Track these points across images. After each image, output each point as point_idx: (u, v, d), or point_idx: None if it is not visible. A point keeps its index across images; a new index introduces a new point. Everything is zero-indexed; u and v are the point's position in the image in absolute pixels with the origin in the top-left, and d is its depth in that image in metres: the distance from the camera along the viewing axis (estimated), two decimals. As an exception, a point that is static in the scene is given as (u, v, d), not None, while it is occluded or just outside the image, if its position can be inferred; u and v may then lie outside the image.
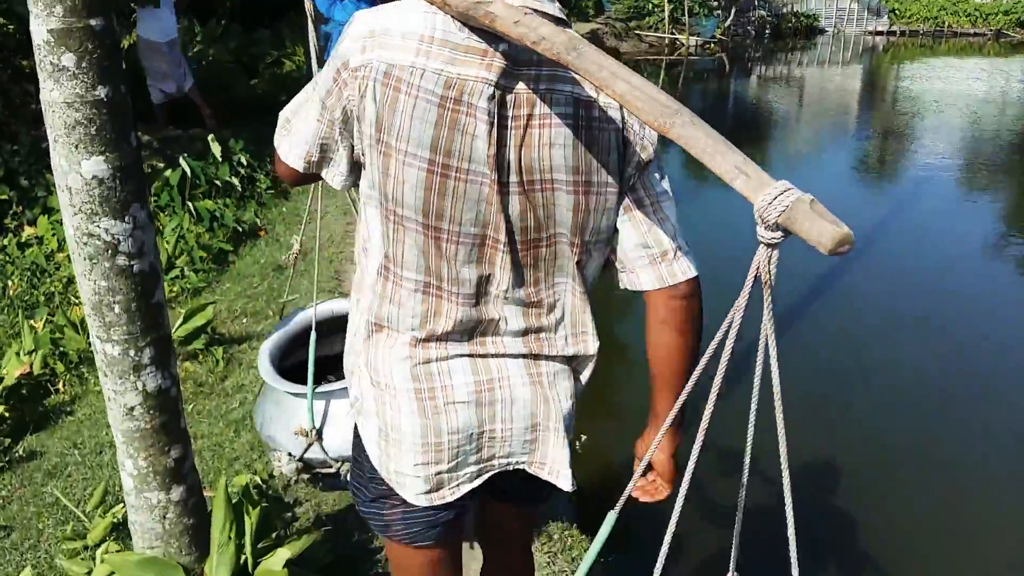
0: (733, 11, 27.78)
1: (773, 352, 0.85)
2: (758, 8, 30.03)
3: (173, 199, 5.62)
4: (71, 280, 5.03)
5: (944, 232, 7.27)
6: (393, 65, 1.15)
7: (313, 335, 2.16)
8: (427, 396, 1.33)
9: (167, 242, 4.95)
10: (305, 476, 2.13)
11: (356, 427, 1.46)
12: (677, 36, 24.90)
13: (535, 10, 1.11)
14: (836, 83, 20.78)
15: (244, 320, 4.07)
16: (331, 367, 2.34)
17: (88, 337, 3.34)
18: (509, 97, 1.17)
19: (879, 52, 27.56)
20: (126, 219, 1.75)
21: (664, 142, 1.13)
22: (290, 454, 2.10)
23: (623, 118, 1.23)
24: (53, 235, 5.96)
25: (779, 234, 0.79)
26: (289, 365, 2.30)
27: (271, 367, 2.16)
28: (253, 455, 3.07)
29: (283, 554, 2.04)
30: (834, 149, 12.17)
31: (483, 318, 1.32)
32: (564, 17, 1.18)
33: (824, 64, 24.94)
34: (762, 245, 0.81)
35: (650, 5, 26.51)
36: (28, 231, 6.17)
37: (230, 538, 2.00)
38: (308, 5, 1.99)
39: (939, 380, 4.55)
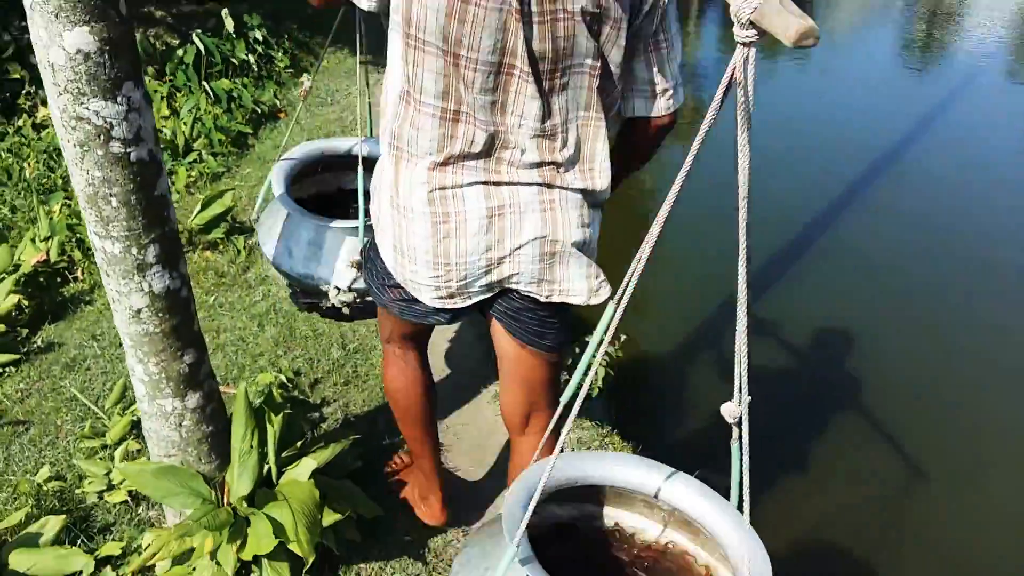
0: None
1: (746, 153, 0.92)
2: None
3: (189, 78, 5.34)
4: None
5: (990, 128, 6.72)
6: None
7: (361, 167, 1.97)
8: (441, 220, 1.41)
9: (184, 123, 4.71)
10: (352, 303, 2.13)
11: (373, 236, 1.62)
12: None
13: None
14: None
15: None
16: (341, 201, 2.40)
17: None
18: None
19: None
20: (119, 100, 1.53)
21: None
22: (337, 287, 2.08)
23: None
24: (68, 115, 5.75)
25: (753, 32, 0.84)
26: (296, 199, 2.21)
27: (298, 206, 2.11)
28: (278, 351, 2.94)
29: (309, 464, 1.92)
30: (877, 27, 11.13)
31: (498, 145, 1.37)
32: None
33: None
34: (739, 46, 0.86)
35: None
36: (43, 111, 5.94)
37: (252, 447, 1.88)
38: None
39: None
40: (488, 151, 1.37)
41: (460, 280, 1.47)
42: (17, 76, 5.90)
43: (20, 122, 5.90)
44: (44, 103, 5.95)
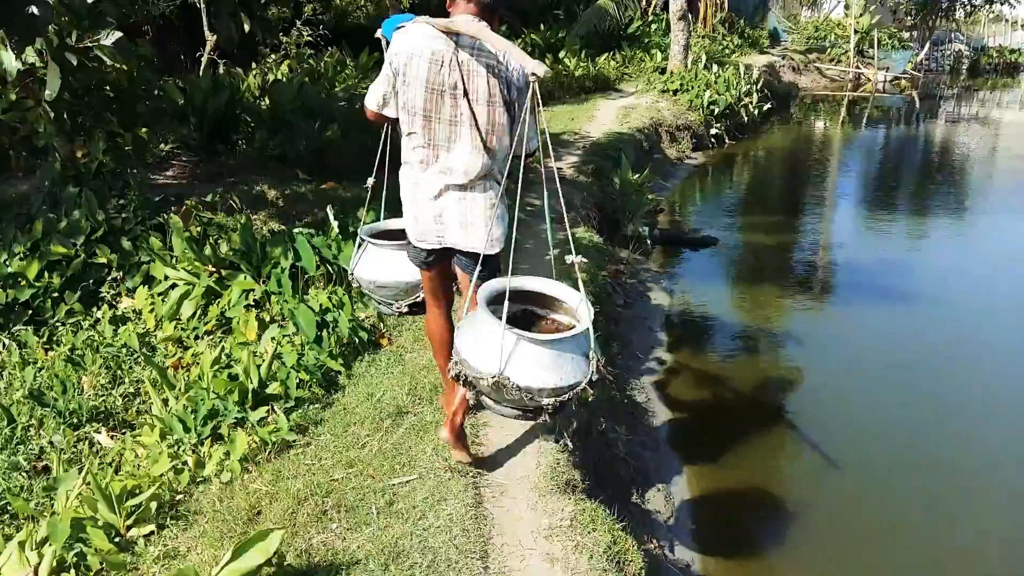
0: (927, 44, 24.97)
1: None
2: (955, 41, 26.96)
3: (282, 287, 4.50)
4: (162, 375, 3.99)
5: None
6: (407, 45, 2.69)
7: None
8: (413, 198, 2.85)
9: (260, 358, 3.80)
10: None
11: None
12: (862, 70, 22.47)
13: (473, 30, 2.58)
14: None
15: (333, 525, 2.78)
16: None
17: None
18: (461, 56, 2.64)
19: (1098, 93, 24.02)
20: None
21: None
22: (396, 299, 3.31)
23: (509, 65, 2.67)
24: (151, 310, 5.01)
25: (538, 76, 2.33)
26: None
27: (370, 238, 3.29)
28: None
29: None
30: None
31: (444, 162, 2.76)
32: (485, 26, 2.63)
33: (1030, 105, 21.88)
34: (534, 81, 2.36)
35: (832, 36, 24.19)
36: (127, 302, 5.25)
37: None
38: (382, 39, 2.93)
39: None
40: (440, 164, 2.78)
41: (423, 233, 2.90)
42: (103, 260, 5.28)
43: (99, 313, 5.22)
44: (130, 292, 5.28)
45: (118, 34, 3.94)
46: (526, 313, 2.71)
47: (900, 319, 6.53)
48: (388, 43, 2.80)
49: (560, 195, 2.48)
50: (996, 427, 4.89)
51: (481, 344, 2.43)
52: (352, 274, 3.31)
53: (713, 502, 4.21)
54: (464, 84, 2.65)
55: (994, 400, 5.21)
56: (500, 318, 2.37)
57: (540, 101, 2.41)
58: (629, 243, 7.59)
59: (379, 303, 3.34)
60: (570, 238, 2.56)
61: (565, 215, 2.86)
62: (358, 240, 3.28)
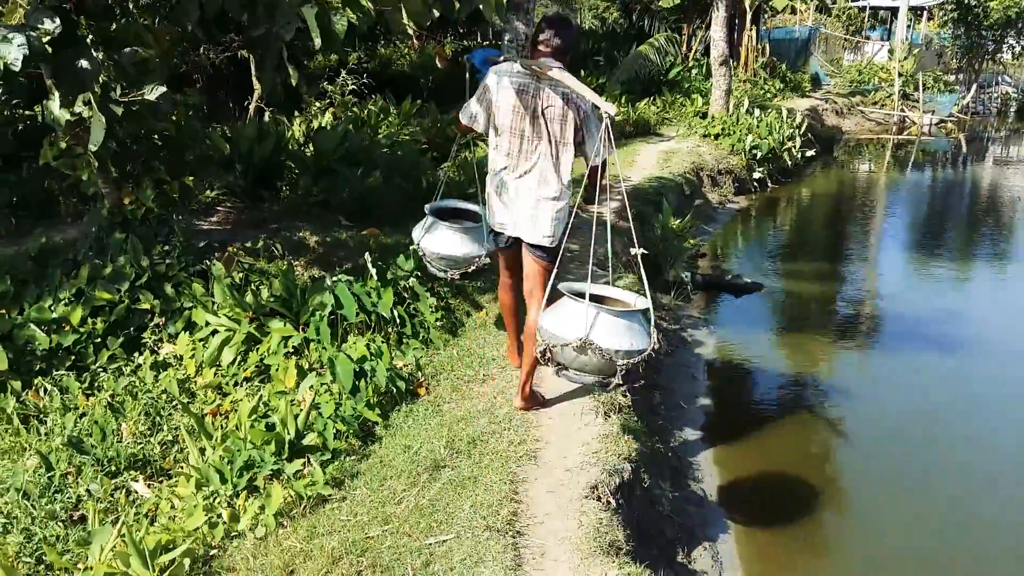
0: (974, 87, 24.60)
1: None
2: (1002, 83, 26.51)
3: (321, 335, 4.48)
4: (199, 423, 3.97)
5: None
6: (504, 78, 3.60)
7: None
8: (496, 197, 3.74)
9: (298, 407, 3.76)
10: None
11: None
12: (907, 114, 22.18)
13: (551, 67, 3.45)
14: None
15: (366, 583, 2.70)
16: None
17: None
18: (541, 87, 3.50)
19: None
20: None
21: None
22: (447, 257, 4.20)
23: (578, 101, 3.49)
24: (192, 356, 5.02)
25: (611, 116, 3.18)
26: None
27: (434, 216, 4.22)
28: None
29: None
30: None
31: (523, 169, 3.62)
32: (561, 66, 3.47)
33: (1082, 148, 21.34)
34: (608, 118, 3.18)
35: (876, 80, 23.97)
36: (168, 347, 5.27)
37: None
38: (467, 63, 4.70)
39: None
40: (519, 170, 3.67)
41: (500, 222, 3.80)
42: (147, 306, 5.32)
43: (141, 359, 5.25)
44: (172, 338, 5.31)
45: (162, 88, 4.01)
46: (594, 301, 3.22)
47: (948, 370, 6.31)
48: (472, 66, 4.23)
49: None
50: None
51: (565, 319, 3.16)
52: (418, 244, 4.18)
53: (761, 561, 4.03)
54: (543, 110, 3.53)
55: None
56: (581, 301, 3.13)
57: (612, 135, 3.27)
58: (671, 289, 7.48)
59: (437, 270, 4.22)
60: (633, 232, 3.57)
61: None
62: (425, 217, 4.16)
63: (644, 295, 3.23)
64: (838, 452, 5.19)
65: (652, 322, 3.18)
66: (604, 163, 3.49)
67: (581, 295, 3.12)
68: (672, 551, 3.76)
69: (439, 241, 4.09)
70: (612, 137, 3.23)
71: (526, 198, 3.63)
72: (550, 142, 3.55)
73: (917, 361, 6.51)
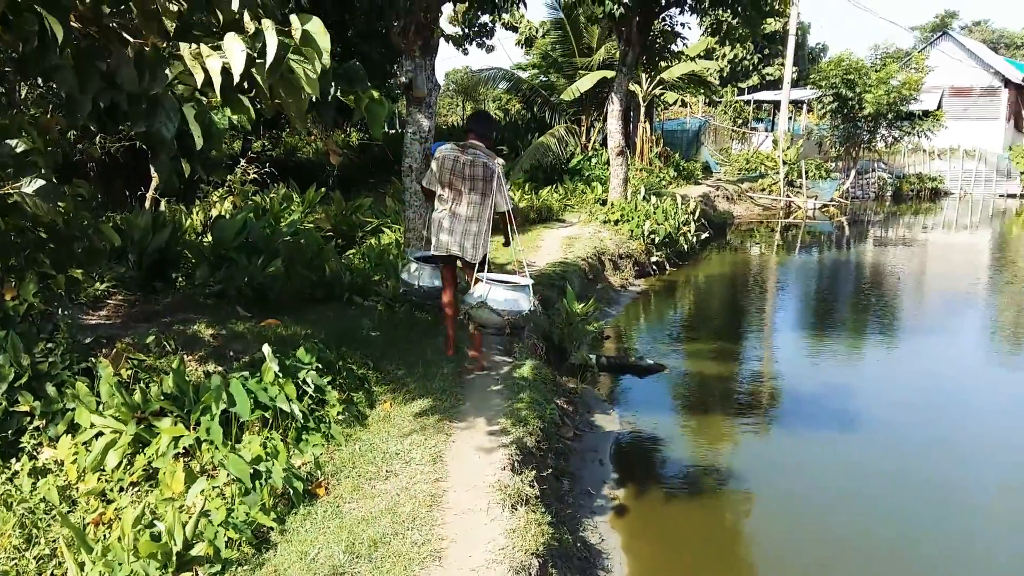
0: (852, 173, 26.41)
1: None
2: (878, 170, 28.58)
3: (212, 435, 4.29)
4: (79, 535, 3.68)
5: None
6: (445, 155, 5.65)
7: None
8: (437, 228, 5.69)
9: (187, 515, 3.55)
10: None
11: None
12: (792, 199, 23.55)
13: (476, 147, 5.65)
14: (962, 248, 18.92)
15: None
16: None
17: None
18: (466, 158, 5.57)
19: (1011, 215, 25.42)
20: None
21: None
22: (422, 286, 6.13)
23: (492, 167, 5.56)
24: (74, 461, 4.70)
25: (500, 165, 5.66)
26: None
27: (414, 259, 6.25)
28: None
29: None
30: (961, 324, 11.17)
31: (458, 210, 5.63)
32: (483, 146, 5.69)
33: (950, 228, 23.02)
34: (499, 168, 5.60)
35: (762, 168, 25.43)
36: (47, 453, 4.94)
37: None
38: (430, 153, 6.37)
39: None
40: (454, 209, 5.64)
41: (440, 247, 5.70)
42: (26, 408, 4.99)
43: (18, 465, 4.89)
44: (53, 442, 4.97)
45: (40, 181, 3.86)
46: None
47: (846, 444, 6.53)
48: (432, 155, 5.75)
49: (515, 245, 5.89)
50: (947, 545, 4.81)
51: (475, 291, 5.10)
52: (405, 283, 6.19)
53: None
54: (469, 170, 5.52)
55: (945, 520, 5.15)
56: (484, 282, 5.06)
57: (504, 182, 5.58)
58: (576, 372, 7.54)
59: (416, 297, 6.23)
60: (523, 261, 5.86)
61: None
62: (407, 262, 6.31)
63: (528, 278, 5.24)
64: (744, 533, 5.25)
65: (532, 293, 5.10)
66: (513, 209, 5.86)
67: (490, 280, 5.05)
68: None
69: (425, 278, 6.09)
70: (504, 183, 5.58)
71: (458, 229, 5.58)
72: (475, 192, 5.54)
73: (816, 437, 6.72)
